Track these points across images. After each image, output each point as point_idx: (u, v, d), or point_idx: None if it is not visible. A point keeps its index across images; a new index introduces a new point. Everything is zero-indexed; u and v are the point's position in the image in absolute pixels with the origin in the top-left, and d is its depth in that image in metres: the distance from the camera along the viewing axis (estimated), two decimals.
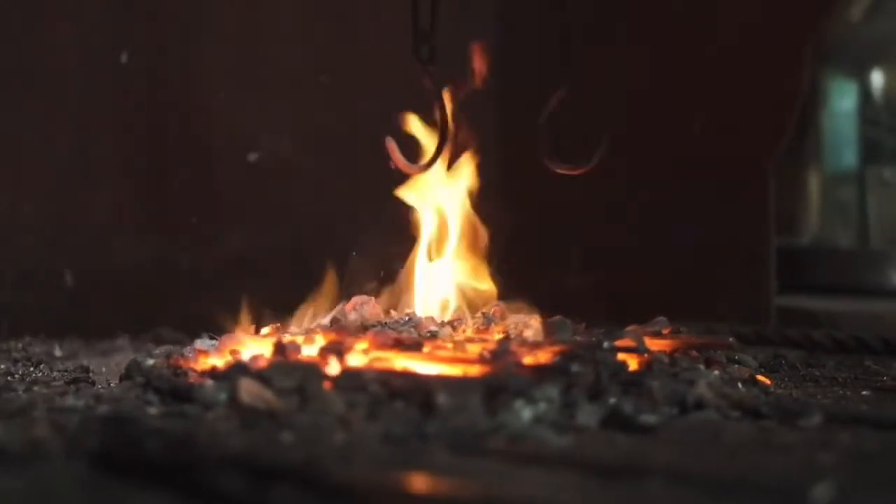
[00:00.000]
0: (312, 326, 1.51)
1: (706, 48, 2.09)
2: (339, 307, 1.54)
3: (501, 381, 1.19)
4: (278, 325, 1.54)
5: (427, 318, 1.51)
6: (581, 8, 1.63)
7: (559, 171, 1.62)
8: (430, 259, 1.64)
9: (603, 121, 1.61)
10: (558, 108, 1.60)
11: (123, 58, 2.09)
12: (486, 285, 1.63)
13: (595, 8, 2.11)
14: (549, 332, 1.43)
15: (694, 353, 1.42)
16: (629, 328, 1.44)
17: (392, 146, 1.61)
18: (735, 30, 2.08)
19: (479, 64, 1.63)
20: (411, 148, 1.65)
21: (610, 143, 1.57)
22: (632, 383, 1.25)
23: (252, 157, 2.13)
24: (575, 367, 1.22)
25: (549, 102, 1.60)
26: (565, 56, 1.59)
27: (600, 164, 1.59)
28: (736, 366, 1.43)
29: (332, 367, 1.27)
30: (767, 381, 1.41)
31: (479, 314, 1.55)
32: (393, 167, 1.62)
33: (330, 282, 1.62)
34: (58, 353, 1.75)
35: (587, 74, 1.58)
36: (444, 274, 1.64)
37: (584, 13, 1.93)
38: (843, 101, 2.38)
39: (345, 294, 1.59)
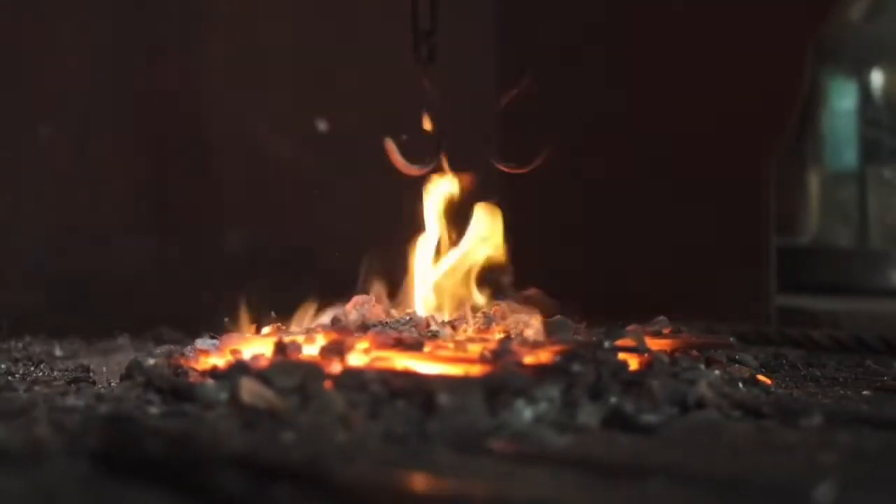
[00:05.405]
0: (313, 326, 1.51)
1: (706, 47, 2.09)
2: (339, 307, 1.54)
3: (502, 380, 1.19)
4: (279, 324, 1.54)
5: (428, 318, 1.51)
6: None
7: (504, 169, 1.65)
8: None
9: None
10: (511, 104, 1.62)
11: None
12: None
13: (599, 6, 2.11)
14: (550, 331, 1.43)
15: (694, 352, 1.42)
16: (630, 328, 1.44)
17: (391, 147, 1.61)
18: (735, 29, 2.07)
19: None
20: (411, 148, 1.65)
21: (554, 146, 1.59)
22: (632, 383, 1.24)
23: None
24: (576, 367, 1.22)
25: (502, 100, 1.63)
26: None
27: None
28: (736, 365, 1.43)
29: (334, 367, 1.27)
30: (768, 381, 1.41)
31: (479, 314, 1.55)
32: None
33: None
34: (58, 352, 1.75)
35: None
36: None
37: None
38: (842, 100, 2.38)
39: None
